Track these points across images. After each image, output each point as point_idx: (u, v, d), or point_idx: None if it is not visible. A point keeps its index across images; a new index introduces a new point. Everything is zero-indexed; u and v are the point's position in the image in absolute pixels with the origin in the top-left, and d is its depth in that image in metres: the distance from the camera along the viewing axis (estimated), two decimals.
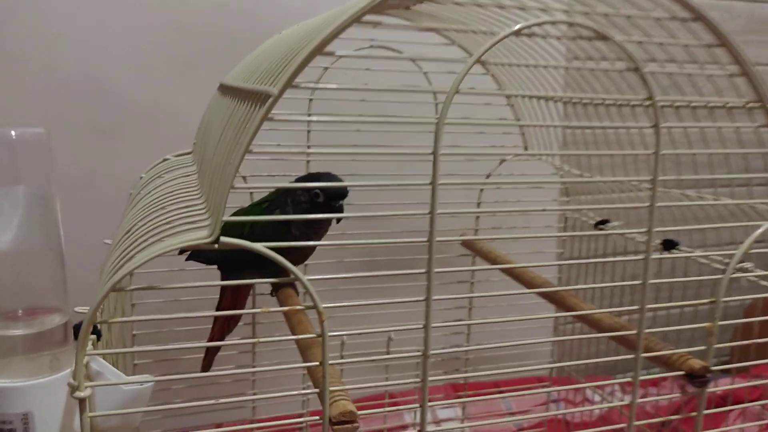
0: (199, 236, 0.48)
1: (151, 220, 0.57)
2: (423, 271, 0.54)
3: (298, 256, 0.83)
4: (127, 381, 0.53)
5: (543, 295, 0.92)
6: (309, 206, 0.78)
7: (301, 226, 0.78)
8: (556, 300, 0.86)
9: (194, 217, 0.54)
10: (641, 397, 0.64)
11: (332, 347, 1.05)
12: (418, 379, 0.58)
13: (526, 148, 1.11)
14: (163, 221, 0.55)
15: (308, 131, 1.02)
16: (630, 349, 0.68)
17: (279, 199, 0.81)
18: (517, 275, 0.94)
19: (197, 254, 0.85)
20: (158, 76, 1.09)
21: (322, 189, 0.78)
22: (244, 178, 1.00)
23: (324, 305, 0.52)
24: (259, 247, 0.49)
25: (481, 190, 1.12)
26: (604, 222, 1.06)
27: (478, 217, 1.13)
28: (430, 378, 0.56)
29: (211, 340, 0.88)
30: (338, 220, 0.80)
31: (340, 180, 0.79)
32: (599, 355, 1.23)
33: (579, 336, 1.17)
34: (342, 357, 1.13)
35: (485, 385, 1.31)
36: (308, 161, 1.00)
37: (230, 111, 0.60)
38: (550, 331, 1.32)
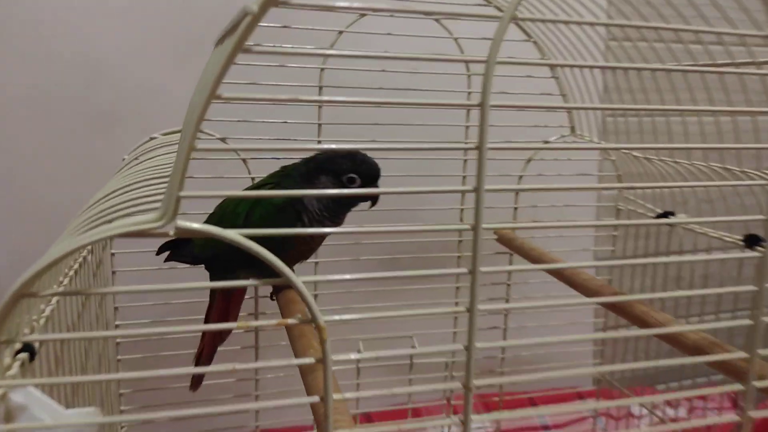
0: (146, 220, 0.33)
1: (103, 206, 0.43)
2: (466, 270, 0.39)
3: (304, 249, 0.69)
4: (59, 423, 0.39)
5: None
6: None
7: (317, 214, 0.64)
8: (617, 307, 0.70)
9: (152, 197, 0.39)
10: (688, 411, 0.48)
11: (350, 342, 0.92)
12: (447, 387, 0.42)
13: (573, 129, 0.95)
14: (114, 205, 0.41)
15: (319, 106, 0.87)
16: (721, 371, 0.53)
17: (286, 177, 0.67)
18: (566, 277, 0.78)
19: (178, 253, 0.71)
20: (158, 55, 0.95)
21: (358, 172, 0.64)
22: (243, 161, 0.85)
23: (330, 318, 0.37)
24: (232, 235, 0.34)
25: (520, 177, 0.96)
26: (666, 214, 0.89)
27: (515, 209, 0.97)
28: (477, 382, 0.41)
29: (201, 351, 0.74)
30: (373, 203, 0.68)
31: (372, 159, 0.66)
32: (644, 357, 1.10)
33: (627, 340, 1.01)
34: (358, 367, 1.00)
35: (520, 402, 1.16)
36: (319, 141, 0.86)
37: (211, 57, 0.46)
38: (591, 330, 1.16)
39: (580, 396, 1.25)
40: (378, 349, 0.85)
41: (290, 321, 0.37)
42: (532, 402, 1.17)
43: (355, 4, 0.37)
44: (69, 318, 0.58)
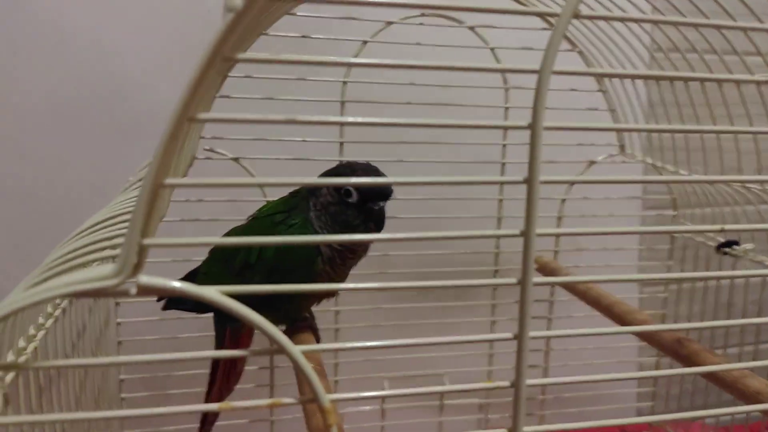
0: (98, 275, 0.26)
1: (70, 246, 0.36)
2: (514, 281, 0.31)
3: (328, 281, 0.61)
4: None
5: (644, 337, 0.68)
6: (338, 209, 0.56)
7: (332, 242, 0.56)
8: (680, 355, 0.61)
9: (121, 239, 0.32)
10: None
11: (374, 381, 0.83)
12: None
13: (622, 147, 0.85)
14: (80, 248, 0.34)
15: (341, 124, 0.80)
16: None
17: (299, 204, 0.59)
18: (617, 316, 0.69)
19: (175, 301, 0.64)
20: (181, 72, 0.89)
21: (356, 186, 0.55)
22: (262, 189, 0.78)
23: (337, 397, 0.29)
24: (211, 294, 0.27)
25: (563, 200, 0.87)
26: (729, 244, 0.79)
27: (558, 237, 0.88)
28: None
29: (209, 402, 0.66)
30: (377, 226, 0.57)
31: (381, 173, 0.57)
32: (696, 396, 1.00)
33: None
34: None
35: None
36: (341, 162, 0.78)
37: None
38: (635, 370, 1.06)
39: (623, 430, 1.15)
40: (405, 386, 0.77)
41: (286, 401, 0.30)
42: None
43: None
44: (60, 352, 0.51)
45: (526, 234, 0.29)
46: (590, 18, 0.30)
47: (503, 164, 0.86)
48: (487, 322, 0.91)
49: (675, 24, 0.61)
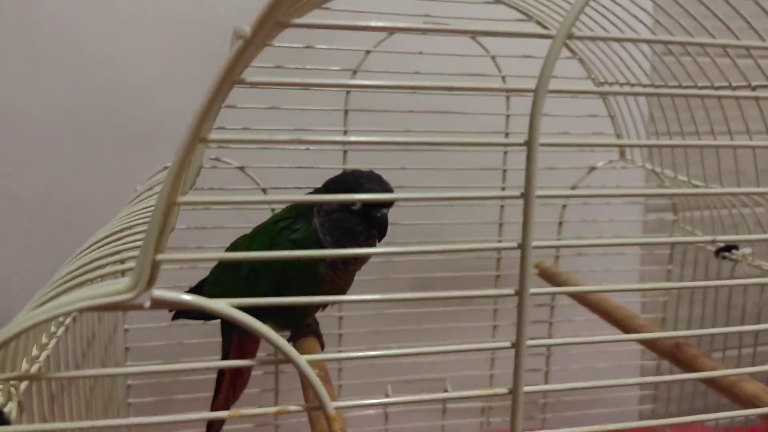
0: (115, 290, 0.27)
1: (82, 260, 0.37)
2: (512, 291, 0.32)
3: (332, 289, 0.62)
4: None
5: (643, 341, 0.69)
6: (341, 216, 0.57)
7: (335, 242, 0.58)
8: (677, 359, 0.62)
9: (134, 253, 0.33)
10: None
11: (378, 385, 0.84)
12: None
13: (622, 153, 0.86)
14: (92, 261, 0.35)
15: (344, 131, 0.81)
16: None
17: (304, 210, 0.60)
18: (618, 321, 0.70)
19: (184, 311, 0.65)
20: (193, 78, 0.89)
21: (358, 192, 0.55)
22: (263, 190, 0.80)
23: (342, 404, 0.31)
24: (221, 306, 0.28)
25: (564, 206, 0.88)
26: (728, 248, 0.80)
27: (558, 240, 0.89)
28: None
29: (215, 410, 0.67)
30: (380, 234, 0.58)
31: (384, 181, 0.58)
32: (696, 399, 1.01)
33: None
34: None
35: None
36: (344, 170, 0.80)
37: None
38: (637, 374, 1.07)
39: None
40: (408, 390, 0.78)
41: (292, 408, 0.31)
42: None
43: (373, 23, 0.31)
44: (71, 359, 0.52)
45: (523, 246, 0.30)
46: (584, 38, 0.31)
47: (504, 171, 0.87)
48: (488, 327, 0.92)
49: (674, 43, 0.62)
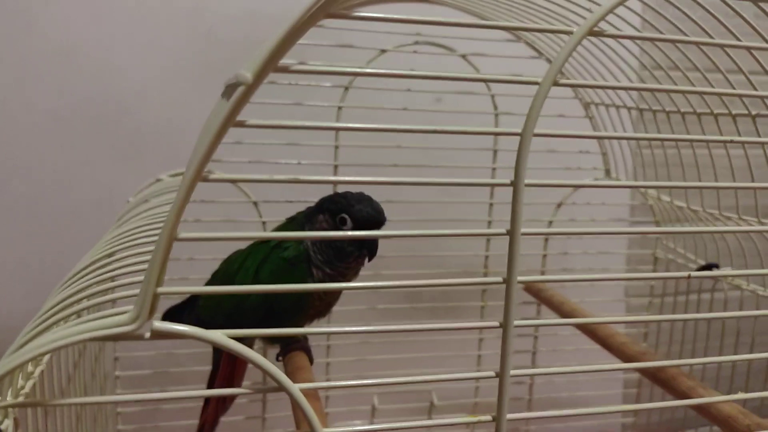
0: (117, 322, 0.28)
1: (78, 286, 0.38)
2: (497, 324, 0.33)
3: (320, 306, 0.63)
4: None
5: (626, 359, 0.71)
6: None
7: (326, 261, 0.59)
8: (657, 379, 0.64)
9: (131, 282, 0.34)
10: None
11: (364, 395, 0.85)
12: None
13: (607, 171, 0.88)
14: (89, 286, 0.36)
15: (335, 146, 0.82)
16: None
17: (295, 229, 0.61)
18: (601, 339, 0.72)
19: (180, 321, 0.66)
20: (183, 89, 0.90)
21: (350, 214, 0.57)
22: (255, 203, 0.81)
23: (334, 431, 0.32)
24: (217, 337, 0.29)
25: (550, 222, 0.90)
26: (709, 267, 0.82)
27: (545, 256, 0.91)
28: None
29: (203, 424, 0.68)
30: (370, 255, 0.59)
31: (374, 203, 0.59)
32: (676, 411, 1.03)
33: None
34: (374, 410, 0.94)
35: None
36: (335, 186, 0.81)
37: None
38: (620, 384, 1.09)
39: None
40: (394, 401, 0.79)
41: None
42: None
43: (355, 69, 0.32)
44: (64, 370, 0.53)
45: (508, 281, 0.32)
46: (571, 86, 0.32)
47: (493, 169, 0.89)
48: (475, 339, 0.93)
49: (661, 91, 0.63)
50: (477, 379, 0.33)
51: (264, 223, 0.79)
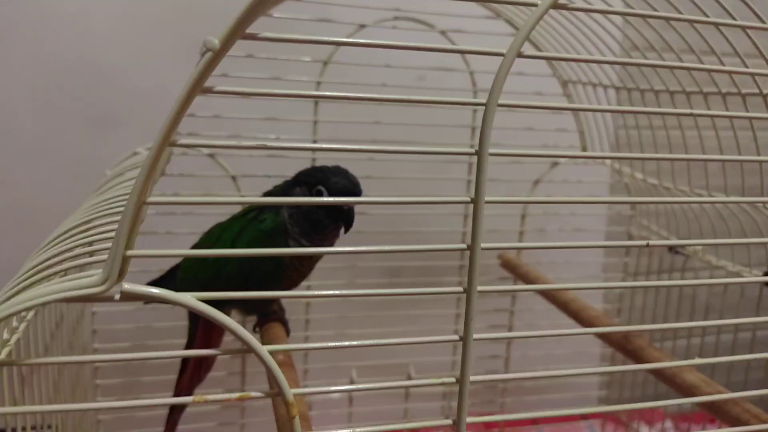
0: (86, 283, 0.29)
1: (50, 252, 0.39)
2: (461, 290, 0.34)
3: (295, 276, 0.64)
4: None
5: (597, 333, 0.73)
6: (309, 208, 0.59)
7: (302, 233, 0.60)
8: (627, 350, 0.65)
9: (103, 246, 0.35)
10: None
11: (343, 369, 0.86)
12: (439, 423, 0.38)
13: (584, 149, 0.90)
14: (60, 253, 0.36)
15: (315, 122, 0.83)
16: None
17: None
18: (574, 312, 0.73)
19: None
20: (162, 56, 0.89)
21: (326, 186, 0.58)
22: (233, 178, 0.81)
23: (300, 391, 0.33)
24: (186, 299, 0.30)
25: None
26: (676, 249, 0.84)
27: (521, 233, 0.92)
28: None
29: (177, 394, 0.69)
30: (346, 226, 0.60)
31: (350, 175, 0.60)
32: (647, 386, 1.05)
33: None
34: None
35: (522, 422, 1.11)
36: (314, 159, 0.81)
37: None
38: (596, 360, 1.11)
39: (585, 418, 1.20)
40: (372, 373, 0.80)
41: (254, 394, 0.33)
42: (534, 422, 1.12)
43: (326, 38, 0.32)
44: (41, 341, 0.54)
45: (471, 248, 0.33)
46: (533, 57, 0.33)
47: (471, 146, 0.89)
48: (452, 314, 0.95)
49: (629, 64, 0.64)
50: (443, 342, 0.34)
51: (242, 197, 0.80)
